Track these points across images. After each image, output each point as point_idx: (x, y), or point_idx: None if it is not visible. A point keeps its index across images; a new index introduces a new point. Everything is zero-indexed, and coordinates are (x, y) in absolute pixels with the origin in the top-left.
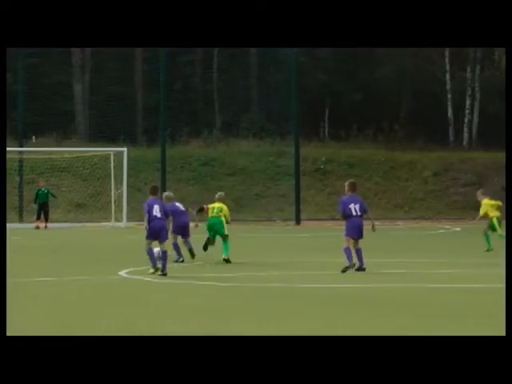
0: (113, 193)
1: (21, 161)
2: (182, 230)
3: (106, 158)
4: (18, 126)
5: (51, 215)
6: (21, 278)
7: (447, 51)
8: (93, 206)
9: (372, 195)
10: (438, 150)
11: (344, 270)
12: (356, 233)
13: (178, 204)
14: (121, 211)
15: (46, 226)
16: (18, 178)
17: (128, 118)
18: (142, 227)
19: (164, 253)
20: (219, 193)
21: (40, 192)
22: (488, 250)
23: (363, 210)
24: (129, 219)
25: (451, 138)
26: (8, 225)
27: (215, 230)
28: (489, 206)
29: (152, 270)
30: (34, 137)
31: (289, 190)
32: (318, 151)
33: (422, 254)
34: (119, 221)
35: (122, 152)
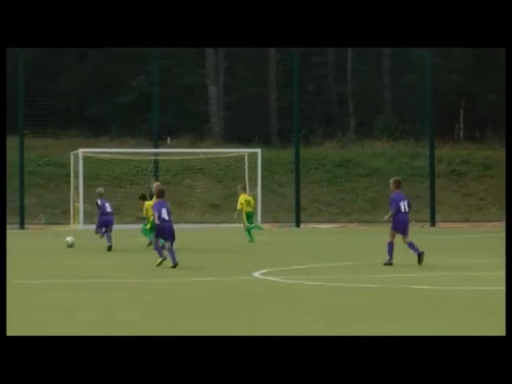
0: (247, 194)
1: (156, 162)
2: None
3: (241, 159)
4: (153, 128)
5: (186, 215)
6: (147, 278)
7: None
8: (227, 207)
9: None
10: None
11: (386, 264)
12: (403, 228)
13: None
14: (255, 212)
15: None
16: (153, 179)
17: (262, 119)
18: (276, 228)
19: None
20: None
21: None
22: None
23: (410, 207)
24: (263, 220)
25: None
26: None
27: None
28: None
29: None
30: (169, 138)
31: (423, 192)
32: (452, 152)
33: None
34: (255, 222)
35: (256, 153)
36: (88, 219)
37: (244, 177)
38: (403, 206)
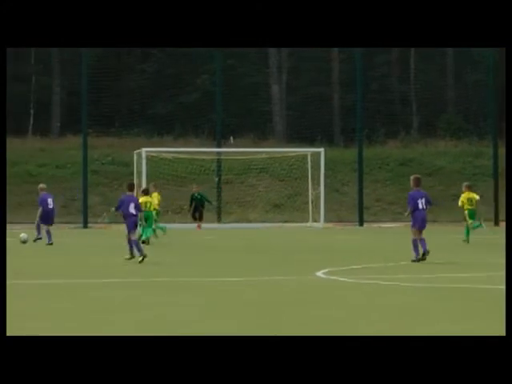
0: (310, 193)
1: (219, 161)
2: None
3: (303, 158)
4: (216, 127)
5: (249, 215)
6: (211, 277)
7: None
8: (290, 206)
9: None
10: None
11: (415, 261)
12: (421, 224)
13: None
14: (318, 212)
15: (199, 226)
16: (216, 179)
17: (325, 119)
18: (339, 228)
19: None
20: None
21: (194, 197)
22: None
23: (428, 203)
24: (326, 220)
25: None
26: (205, 225)
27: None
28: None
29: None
30: (231, 138)
31: (487, 191)
32: None
33: None
34: (317, 221)
35: (319, 152)
36: None
37: (307, 176)
38: (420, 203)
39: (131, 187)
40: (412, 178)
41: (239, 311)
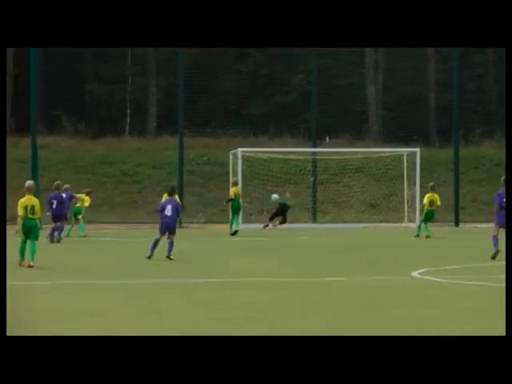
0: (406, 193)
1: (314, 161)
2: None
3: (399, 158)
4: (311, 127)
5: (344, 215)
6: (308, 277)
7: None
8: (386, 206)
9: None
10: None
11: (493, 257)
12: (503, 222)
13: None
14: (414, 212)
15: (280, 223)
16: (311, 179)
17: (421, 119)
18: (435, 228)
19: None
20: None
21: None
22: None
23: None
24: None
25: None
26: (300, 225)
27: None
28: None
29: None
30: (327, 137)
31: None
32: None
33: None
34: (412, 221)
35: (414, 152)
36: (245, 218)
37: (403, 176)
38: (505, 201)
39: (171, 192)
40: (503, 178)
41: (335, 310)
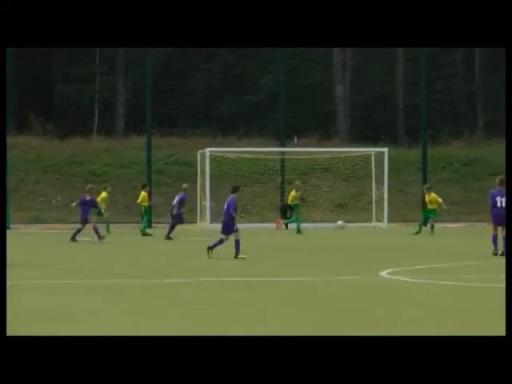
0: (374, 193)
1: (282, 161)
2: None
3: (367, 158)
4: (279, 127)
5: (312, 215)
6: (285, 277)
7: None
8: (354, 206)
9: None
10: None
11: (495, 254)
12: (498, 221)
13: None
14: (382, 212)
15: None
16: (279, 179)
17: (389, 119)
18: (403, 228)
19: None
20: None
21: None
22: None
23: None
24: (390, 220)
25: None
26: (268, 224)
27: None
28: None
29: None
30: (295, 137)
31: None
32: None
33: None
34: (380, 221)
35: (382, 152)
36: (215, 218)
37: (371, 176)
38: (499, 201)
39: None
40: (498, 178)
41: (321, 310)
